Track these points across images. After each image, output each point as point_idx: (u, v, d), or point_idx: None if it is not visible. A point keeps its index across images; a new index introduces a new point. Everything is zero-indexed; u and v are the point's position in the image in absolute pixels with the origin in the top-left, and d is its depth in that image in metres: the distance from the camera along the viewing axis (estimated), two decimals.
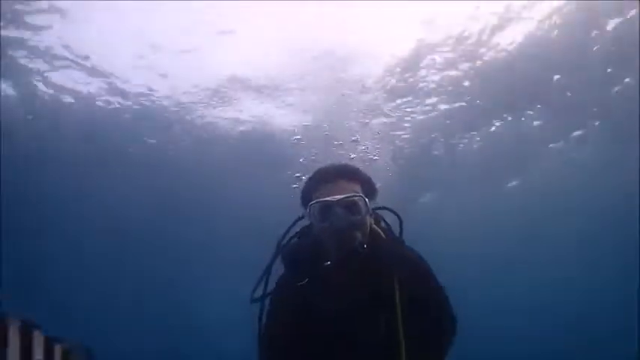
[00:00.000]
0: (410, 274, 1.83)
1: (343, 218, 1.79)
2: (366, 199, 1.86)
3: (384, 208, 2.09)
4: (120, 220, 13.73)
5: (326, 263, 1.79)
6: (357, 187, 1.90)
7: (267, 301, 1.94)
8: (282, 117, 10.62)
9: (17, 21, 7.70)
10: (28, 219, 12.68)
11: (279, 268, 1.97)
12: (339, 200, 1.81)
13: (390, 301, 1.78)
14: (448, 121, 10.91)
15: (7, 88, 9.30)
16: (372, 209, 1.98)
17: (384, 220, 2.06)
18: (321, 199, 1.84)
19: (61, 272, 16.12)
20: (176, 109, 10.46)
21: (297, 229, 2.06)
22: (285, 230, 2.03)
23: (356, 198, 1.84)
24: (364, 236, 1.84)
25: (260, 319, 1.91)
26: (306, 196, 1.95)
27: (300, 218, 2.04)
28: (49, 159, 11.04)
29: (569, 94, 10.07)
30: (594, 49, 8.91)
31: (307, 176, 2.03)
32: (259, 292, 1.94)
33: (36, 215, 12.82)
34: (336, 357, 1.81)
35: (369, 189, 1.95)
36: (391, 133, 10.95)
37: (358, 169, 2.00)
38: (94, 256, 15.58)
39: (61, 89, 9.55)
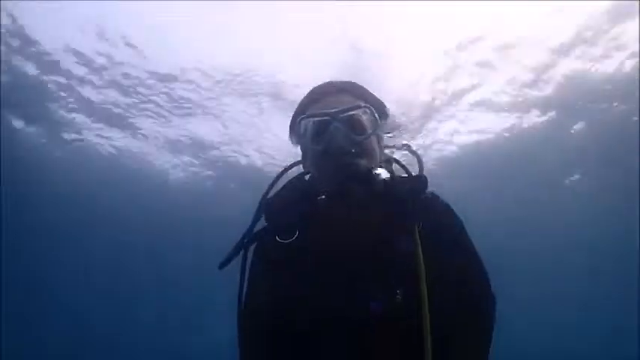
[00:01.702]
0: (436, 225, 1.32)
1: (343, 136, 1.35)
2: (376, 115, 1.40)
3: (398, 147, 1.56)
4: None
5: (320, 197, 1.35)
6: (363, 103, 1.43)
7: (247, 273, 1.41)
8: None
9: None
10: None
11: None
12: (336, 112, 1.36)
13: (407, 257, 1.23)
14: None
15: None
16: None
17: (399, 163, 1.54)
18: (314, 112, 1.41)
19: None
20: None
21: (284, 182, 1.53)
22: (269, 183, 1.50)
23: (360, 111, 1.39)
24: (372, 164, 1.40)
25: (240, 298, 1.38)
26: (297, 118, 1.47)
27: (289, 168, 1.58)
28: None
29: None
30: None
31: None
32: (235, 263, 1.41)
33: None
34: (331, 335, 1.20)
35: (379, 110, 1.45)
36: None
37: (364, 87, 1.52)
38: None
39: None
